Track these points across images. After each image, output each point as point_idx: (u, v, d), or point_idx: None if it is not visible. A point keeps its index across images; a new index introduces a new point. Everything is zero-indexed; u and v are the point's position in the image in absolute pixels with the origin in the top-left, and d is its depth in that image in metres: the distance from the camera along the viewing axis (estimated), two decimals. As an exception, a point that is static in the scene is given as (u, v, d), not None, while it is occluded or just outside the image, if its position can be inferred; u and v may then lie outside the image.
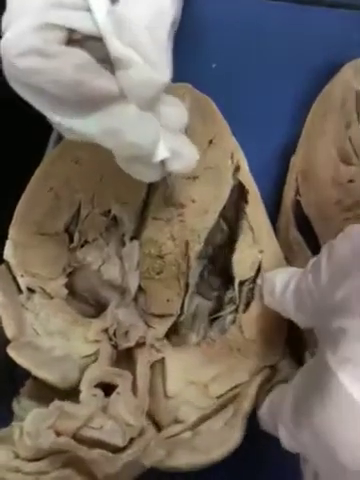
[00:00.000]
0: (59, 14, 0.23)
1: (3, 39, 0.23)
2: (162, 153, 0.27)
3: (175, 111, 0.27)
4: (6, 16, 0.24)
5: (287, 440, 0.25)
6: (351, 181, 0.35)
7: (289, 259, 0.35)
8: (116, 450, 0.26)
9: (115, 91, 0.24)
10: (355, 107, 0.37)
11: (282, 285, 0.30)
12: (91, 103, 0.24)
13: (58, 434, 0.25)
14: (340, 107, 0.36)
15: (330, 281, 0.25)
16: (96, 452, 0.25)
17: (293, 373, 0.30)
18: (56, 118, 0.25)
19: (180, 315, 0.33)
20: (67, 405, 0.27)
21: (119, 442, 0.26)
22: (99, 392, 0.28)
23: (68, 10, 0.24)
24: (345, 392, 0.21)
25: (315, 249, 0.35)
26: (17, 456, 0.25)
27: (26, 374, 0.32)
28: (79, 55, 0.24)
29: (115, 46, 0.24)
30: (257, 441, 0.30)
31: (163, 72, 0.25)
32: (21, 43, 0.23)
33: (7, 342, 0.31)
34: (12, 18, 0.24)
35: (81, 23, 0.24)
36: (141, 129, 0.25)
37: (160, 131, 0.26)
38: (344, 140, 0.36)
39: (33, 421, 0.26)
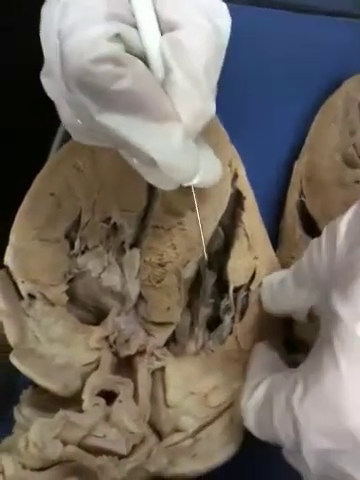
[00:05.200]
0: (123, 27, 0.24)
1: (72, 43, 0.23)
2: (197, 178, 0.27)
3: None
4: (65, 22, 0.24)
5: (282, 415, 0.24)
6: (358, 182, 0.36)
7: (296, 258, 0.35)
8: (119, 458, 0.27)
9: (171, 111, 0.24)
10: (358, 117, 0.38)
11: (279, 279, 0.31)
12: (150, 118, 0.24)
13: (64, 444, 0.25)
14: (344, 117, 0.38)
15: (346, 244, 0.25)
16: (104, 458, 0.25)
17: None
18: (115, 125, 0.24)
19: (180, 323, 0.34)
20: (72, 415, 0.27)
21: (123, 450, 0.27)
22: (101, 401, 0.29)
23: (126, 25, 0.24)
24: None
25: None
26: (24, 466, 0.25)
27: (26, 381, 0.33)
28: (144, 67, 0.24)
29: (175, 72, 0.24)
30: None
31: (212, 104, 0.25)
32: (97, 49, 0.23)
33: (8, 349, 0.31)
34: (76, 25, 0.23)
35: (135, 41, 0.24)
36: (186, 156, 0.25)
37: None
38: (348, 146, 0.37)
39: (38, 431, 0.26)
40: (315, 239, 0.28)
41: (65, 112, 0.27)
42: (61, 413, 0.27)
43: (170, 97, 0.25)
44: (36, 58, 0.27)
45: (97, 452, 0.26)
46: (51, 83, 0.26)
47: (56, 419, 0.27)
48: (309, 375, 0.23)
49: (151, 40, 0.25)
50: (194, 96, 0.25)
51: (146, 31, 0.25)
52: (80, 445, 0.26)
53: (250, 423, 0.27)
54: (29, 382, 0.32)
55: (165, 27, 0.25)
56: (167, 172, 0.25)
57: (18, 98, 0.39)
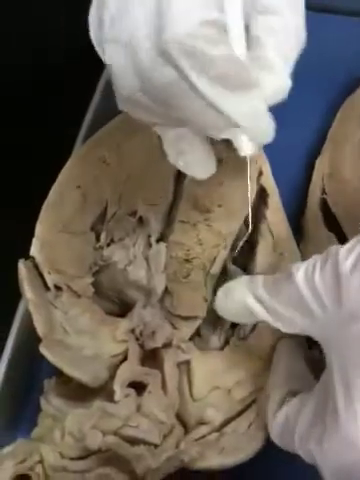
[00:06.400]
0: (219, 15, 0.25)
1: (178, 7, 0.24)
2: None
3: None
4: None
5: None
6: None
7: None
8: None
9: (255, 80, 0.26)
10: None
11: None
12: (238, 85, 0.25)
13: (102, 434, 0.26)
14: None
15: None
16: (141, 448, 0.26)
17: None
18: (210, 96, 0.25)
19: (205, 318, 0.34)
20: (108, 405, 0.27)
21: (156, 440, 0.27)
22: (132, 391, 0.29)
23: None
24: None
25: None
26: (62, 456, 0.25)
27: (49, 371, 0.33)
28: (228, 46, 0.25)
29: (267, 49, 0.27)
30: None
31: (289, 83, 0.27)
32: (207, 13, 0.24)
33: (35, 340, 0.31)
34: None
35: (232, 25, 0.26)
36: (269, 120, 0.27)
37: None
38: None
39: (76, 421, 0.26)
40: (312, 262, 0.27)
41: (124, 79, 0.26)
42: (98, 404, 0.27)
43: (255, 69, 0.26)
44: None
45: (131, 442, 0.27)
46: (119, 50, 0.26)
47: (92, 410, 0.27)
48: (324, 410, 0.24)
49: (235, 17, 0.26)
50: (281, 72, 0.27)
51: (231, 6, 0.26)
52: (116, 435, 0.26)
53: (275, 438, 0.28)
54: (52, 372, 0.32)
55: (259, 8, 0.27)
56: (252, 136, 0.27)
57: (39, 93, 0.39)
